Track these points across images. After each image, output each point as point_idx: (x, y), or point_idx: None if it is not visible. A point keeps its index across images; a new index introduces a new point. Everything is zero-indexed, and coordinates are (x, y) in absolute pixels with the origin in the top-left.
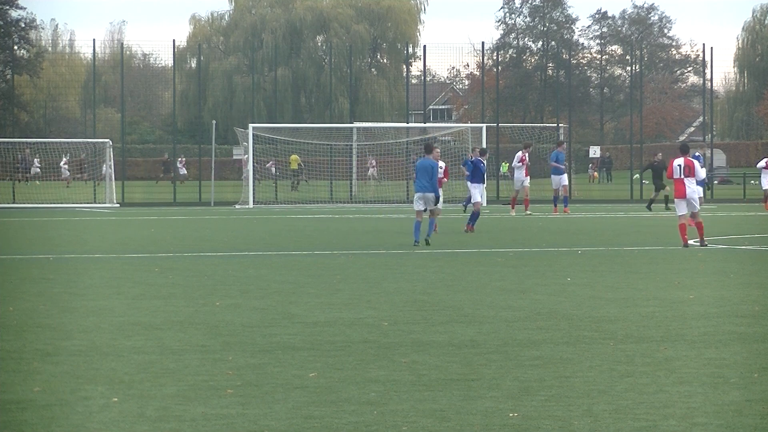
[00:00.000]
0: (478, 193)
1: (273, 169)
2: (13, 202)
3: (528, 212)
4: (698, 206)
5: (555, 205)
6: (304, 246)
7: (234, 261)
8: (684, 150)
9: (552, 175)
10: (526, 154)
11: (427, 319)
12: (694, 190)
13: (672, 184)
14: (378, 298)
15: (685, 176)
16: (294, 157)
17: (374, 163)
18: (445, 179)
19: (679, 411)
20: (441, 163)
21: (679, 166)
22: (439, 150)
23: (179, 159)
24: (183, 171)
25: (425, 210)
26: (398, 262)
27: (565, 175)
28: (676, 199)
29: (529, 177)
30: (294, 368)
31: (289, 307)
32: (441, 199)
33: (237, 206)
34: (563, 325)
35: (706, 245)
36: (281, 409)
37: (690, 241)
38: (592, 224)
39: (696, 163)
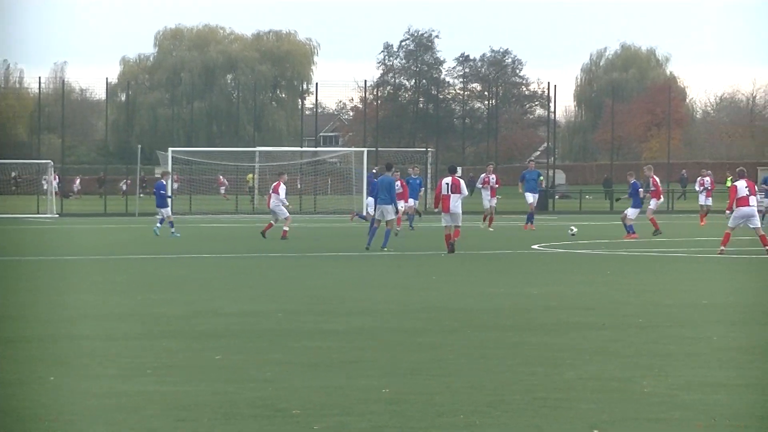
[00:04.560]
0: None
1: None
2: None
3: (491, 228)
4: (459, 221)
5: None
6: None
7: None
8: (452, 170)
9: (526, 193)
10: (490, 176)
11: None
12: (457, 205)
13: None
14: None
15: (452, 193)
16: (250, 175)
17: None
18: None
19: (523, 387)
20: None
21: (447, 184)
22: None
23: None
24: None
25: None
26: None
27: (530, 195)
28: (442, 213)
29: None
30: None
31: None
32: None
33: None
34: (438, 316)
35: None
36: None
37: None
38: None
39: (462, 181)
